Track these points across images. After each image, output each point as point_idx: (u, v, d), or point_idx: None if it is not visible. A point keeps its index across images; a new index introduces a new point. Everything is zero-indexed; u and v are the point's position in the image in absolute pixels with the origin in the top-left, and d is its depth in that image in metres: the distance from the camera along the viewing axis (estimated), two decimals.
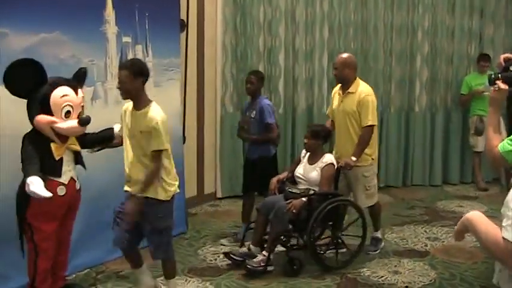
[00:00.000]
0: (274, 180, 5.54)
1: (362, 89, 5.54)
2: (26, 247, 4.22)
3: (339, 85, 5.73)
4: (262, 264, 5.11)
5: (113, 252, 5.25)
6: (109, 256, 5.33)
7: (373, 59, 8.58)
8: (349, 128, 5.54)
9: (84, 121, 4.24)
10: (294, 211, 5.09)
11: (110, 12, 5.41)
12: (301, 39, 8.25)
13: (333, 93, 5.95)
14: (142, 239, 4.43)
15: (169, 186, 4.31)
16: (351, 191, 5.71)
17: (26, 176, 3.95)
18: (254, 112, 5.96)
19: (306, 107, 8.41)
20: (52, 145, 4.13)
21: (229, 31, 7.85)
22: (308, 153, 5.54)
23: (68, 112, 4.16)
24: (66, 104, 4.14)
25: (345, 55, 5.71)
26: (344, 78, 5.56)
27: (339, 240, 5.48)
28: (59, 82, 4.18)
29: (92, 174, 4.71)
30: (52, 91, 4.10)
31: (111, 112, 5.25)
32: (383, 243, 5.92)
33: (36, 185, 3.85)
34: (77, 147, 4.36)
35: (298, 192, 5.34)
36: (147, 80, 4.28)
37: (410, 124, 8.93)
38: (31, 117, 4.11)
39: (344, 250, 5.52)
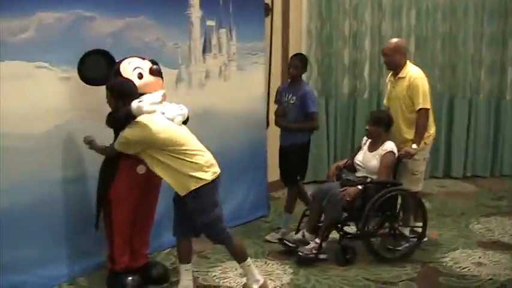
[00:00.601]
0: (333, 167, 5.47)
1: (412, 72, 5.36)
2: (102, 223, 4.37)
3: (391, 72, 5.58)
4: (313, 251, 4.96)
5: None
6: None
7: (463, 44, 8.29)
8: (400, 115, 5.36)
9: (154, 70, 4.36)
10: (348, 199, 4.95)
11: None
12: (388, 23, 8.07)
13: (386, 79, 5.80)
14: (196, 232, 4.38)
15: (186, 179, 4.07)
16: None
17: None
18: (295, 98, 5.59)
19: None
20: None
21: (314, 15, 7.78)
22: (369, 141, 5.35)
23: (140, 74, 4.29)
24: (135, 67, 4.28)
25: (394, 40, 5.54)
26: (395, 64, 5.38)
27: (397, 232, 5.29)
28: (124, 58, 4.32)
29: None
30: (120, 63, 4.27)
31: (195, 94, 5.35)
32: (408, 244, 5.40)
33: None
34: None
35: (355, 179, 5.21)
36: (132, 99, 3.97)
37: (501, 111, 8.57)
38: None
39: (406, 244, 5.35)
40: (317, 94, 7.84)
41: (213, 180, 4.12)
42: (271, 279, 4.69)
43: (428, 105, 5.30)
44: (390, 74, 5.60)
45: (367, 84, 8.13)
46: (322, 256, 5.05)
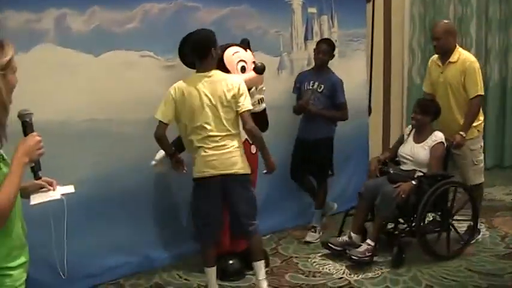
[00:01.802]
0: (374, 161, 5.15)
1: (465, 57, 5.03)
2: None
3: (435, 56, 5.22)
4: (368, 253, 4.63)
5: (295, 219, 5.42)
6: (291, 223, 5.52)
7: None
8: (451, 102, 5.02)
9: (259, 69, 4.37)
10: (403, 196, 4.59)
11: None
12: (495, 7, 7.78)
13: (429, 66, 5.37)
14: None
15: (195, 164, 3.98)
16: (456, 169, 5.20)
17: None
18: (323, 86, 5.21)
19: (499, 80, 7.95)
20: None
21: (418, 0, 7.60)
22: (413, 131, 4.99)
23: (243, 68, 4.36)
24: (239, 59, 4.36)
25: (445, 21, 5.24)
26: (447, 47, 4.99)
27: (451, 227, 4.96)
28: (228, 44, 4.36)
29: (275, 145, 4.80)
30: (224, 52, 4.30)
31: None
32: (480, 235, 5.31)
33: None
34: None
35: (402, 173, 4.86)
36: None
37: None
38: None
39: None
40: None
41: None
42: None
43: (483, 92, 5.07)
44: (435, 58, 5.23)
45: None
46: (375, 258, 4.74)
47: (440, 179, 4.81)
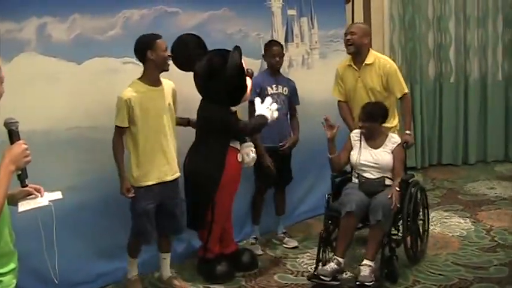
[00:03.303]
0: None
1: (383, 60, 4.96)
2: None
3: (345, 62, 5.04)
4: (373, 276, 4.28)
5: (282, 221, 5.43)
6: (273, 226, 5.48)
7: None
8: None
9: (250, 74, 4.52)
10: (398, 205, 4.40)
11: None
12: (473, 4, 7.88)
13: (339, 74, 5.07)
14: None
15: (134, 171, 4.07)
16: None
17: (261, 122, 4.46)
18: (286, 89, 5.11)
19: (479, 76, 8.05)
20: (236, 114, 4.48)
21: (396, 0, 7.67)
22: (363, 137, 4.71)
23: None
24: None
25: (358, 22, 5.13)
26: (361, 47, 4.85)
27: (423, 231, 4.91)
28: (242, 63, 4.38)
29: None
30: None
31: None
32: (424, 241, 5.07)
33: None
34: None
35: (376, 182, 4.55)
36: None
37: None
38: (221, 96, 4.33)
39: None
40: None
41: None
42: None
43: (407, 89, 5.04)
44: (346, 63, 5.01)
45: (453, 67, 7.95)
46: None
47: (410, 182, 4.70)
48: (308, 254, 5.03)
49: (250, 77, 4.50)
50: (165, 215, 4.21)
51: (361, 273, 4.25)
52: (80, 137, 4.20)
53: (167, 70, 4.09)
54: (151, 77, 4.04)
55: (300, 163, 5.32)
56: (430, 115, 8.01)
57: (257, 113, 4.51)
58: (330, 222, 4.60)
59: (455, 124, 8.04)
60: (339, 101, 5.13)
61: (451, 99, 8.00)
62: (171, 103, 4.19)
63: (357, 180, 4.64)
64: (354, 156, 4.68)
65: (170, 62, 4.14)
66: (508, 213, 5.90)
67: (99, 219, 4.32)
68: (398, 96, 4.92)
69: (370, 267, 4.28)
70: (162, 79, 4.13)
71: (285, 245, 5.26)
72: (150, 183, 4.05)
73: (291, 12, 5.74)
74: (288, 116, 5.21)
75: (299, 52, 5.84)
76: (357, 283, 4.22)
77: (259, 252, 5.09)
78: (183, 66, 4.41)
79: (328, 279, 4.25)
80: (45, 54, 4.02)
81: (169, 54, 4.07)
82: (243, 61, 4.34)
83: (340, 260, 4.34)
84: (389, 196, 4.36)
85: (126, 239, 4.20)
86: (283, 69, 5.57)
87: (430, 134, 8.03)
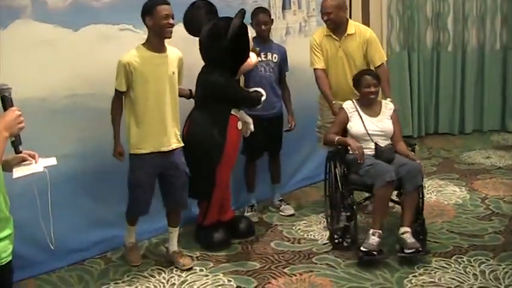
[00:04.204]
0: (359, 148, 4.48)
1: (363, 28, 5.09)
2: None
3: (321, 32, 5.06)
4: None
5: (278, 189, 5.45)
6: (270, 193, 5.49)
7: None
8: (348, 74, 4.95)
9: (259, 52, 4.62)
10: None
11: None
12: None
13: (317, 42, 5.04)
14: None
15: (130, 137, 4.05)
16: None
17: (256, 96, 4.51)
18: (276, 56, 5.07)
19: (477, 46, 8.01)
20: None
21: None
22: (357, 106, 4.68)
23: None
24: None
25: None
26: (339, 21, 4.92)
27: None
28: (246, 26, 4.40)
29: None
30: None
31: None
32: None
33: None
34: None
35: (388, 149, 4.54)
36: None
37: None
38: (228, 60, 4.32)
39: None
40: (399, 48, 7.75)
41: None
42: None
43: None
44: (323, 33, 5.04)
45: (451, 36, 7.91)
46: None
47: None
48: (304, 222, 5.07)
49: (257, 55, 4.49)
50: (166, 187, 4.18)
51: (408, 241, 4.20)
52: (77, 105, 4.20)
53: (169, 37, 3.98)
54: (153, 43, 3.96)
55: (295, 131, 5.30)
56: (427, 84, 7.99)
57: (253, 89, 4.56)
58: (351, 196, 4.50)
59: (452, 93, 8.01)
60: (317, 70, 5.06)
61: (448, 68, 7.96)
62: (176, 72, 4.09)
63: (368, 151, 4.52)
64: (358, 126, 4.62)
65: (176, 29, 4.04)
66: (503, 182, 5.93)
67: (96, 187, 4.34)
68: (378, 63, 5.00)
69: (411, 234, 4.25)
70: (168, 46, 4.05)
71: (281, 213, 5.28)
72: (145, 151, 4.00)
73: None
74: (278, 83, 5.14)
75: (296, 19, 5.79)
76: (408, 251, 4.17)
77: (256, 219, 5.12)
78: (193, 31, 4.41)
79: (376, 253, 4.20)
80: (41, 21, 3.99)
81: (170, 22, 3.92)
82: (249, 30, 4.37)
83: (380, 232, 4.27)
84: (418, 161, 4.46)
85: (124, 207, 4.21)
86: (281, 37, 5.57)
87: (426, 103, 8.02)
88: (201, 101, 4.43)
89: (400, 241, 4.26)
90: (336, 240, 4.49)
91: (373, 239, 4.23)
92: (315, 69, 5.06)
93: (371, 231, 4.27)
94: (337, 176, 4.64)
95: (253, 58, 4.47)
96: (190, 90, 4.50)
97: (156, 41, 3.96)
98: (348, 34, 4.96)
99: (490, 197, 5.48)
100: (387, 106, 4.74)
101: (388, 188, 4.30)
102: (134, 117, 3.99)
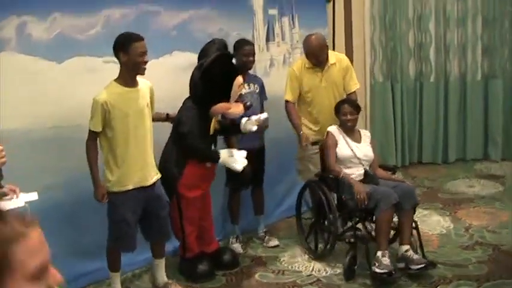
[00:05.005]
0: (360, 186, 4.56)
1: (340, 56, 5.35)
2: (171, 214, 4.40)
3: (301, 64, 5.20)
4: None
5: (262, 220, 5.43)
6: (255, 224, 5.47)
7: None
8: (332, 102, 5.08)
9: (248, 107, 4.47)
10: None
11: None
12: (453, 4, 7.93)
13: (296, 74, 5.18)
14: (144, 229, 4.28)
15: (111, 176, 3.98)
16: None
17: (210, 156, 4.38)
18: (257, 87, 5.14)
19: (458, 76, 8.11)
20: (213, 121, 4.42)
21: None
22: (341, 132, 4.86)
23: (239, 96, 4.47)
24: (239, 92, 4.46)
25: (315, 39, 5.07)
26: (324, 58, 5.12)
27: None
28: (235, 70, 4.40)
29: None
30: (234, 80, 4.34)
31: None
32: None
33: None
34: (217, 127, 4.56)
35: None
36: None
37: None
38: (202, 97, 4.30)
39: None
40: (382, 79, 7.82)
41: None
42: None
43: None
44: (304, 65, 5.16)
45: (433, 67, 8.01)
46: None
47: None
48: (289, 253, 5.06)
49: (246, 109, 4.41)
50: (150, 220, 4.14)
51: (414, 257, 4.39)
52: (60, 136, 4.20)
53: (142, 74, 3.95)
54: (126, 79, 3.92)
55: (279, 162, 5.35)
56: (411, 114, 8.06)
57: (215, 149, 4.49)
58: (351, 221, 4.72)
59: (435, 123, 8.09)
60: (288, 102, 5.22)
61: (431, 98, 8.05)
62: (149, 103, 4.06)
63: (353, 176, 4.68)
64: (346, 150, 4.80)
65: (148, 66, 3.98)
66: (486, 211, 5.97)
67: (79, 218, 4.32)
68: (353, 89, 5.24)
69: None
70: (138, 79, 4.01)
71: (265, 244, 5.26)
72: (128, 188, 3.95)
73: (272, 11, 5.77)
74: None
75: (280, 51, 5.87)
76: (417, 267, 4.35)
77: (240, 250, 5.11)
78: None
79: (394, 272, 4.32)
80: (26, 53, 4.01)
81: (145, 60, 3.88)
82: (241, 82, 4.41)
83: (388, 252, 4.38)
84: (408, 183, 4.76)
85: (106, 237, 4.18)
86: (265, 68, 5.62)
87: (410, 133, 8.08)
88: (172, 130, 4.45)
89: (405, 259, 4.40)
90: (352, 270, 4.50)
91: (385, 260, 4.32)
92: (286, 100, 5.21)
93: (379, 253, 4.35)
94: (330, 202, 4.69)
95: (240, 109, 4.37)
96: (167, 114, 4.49)
97: (129, 77, 3.92)
98: (330, 64, 5.14)
99: (474, 226, 5.50)
100: (366, 134, 5.01)
101: (392, 210, 4.43)
102: (113, 156, 3.93)
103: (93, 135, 3.91)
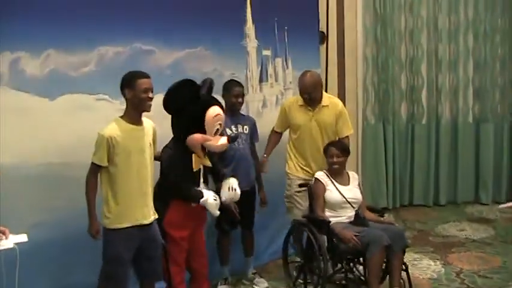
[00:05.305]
0: (348, 233, 4.57)
1: (335, 100, 5.35)
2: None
3: (295, 100, 5.27)
4: None
5: (252, 262, 5.38)
6: (244, 266, 5.41)
7: None
8: (321, 143, 5.16)
9: (233, 138, 4.40)
10: None
11: (250, 27, 5.60)
12: (445, 47, 8.01)
13: (287, 109, 5.28)
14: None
15: (109, 212, 3.90)
16: None
17: (189, 195, 4.23)
18: (247, 128, 5.08)
19: (450, 119, 8.16)
20: (193, 156, 4.26)
21: (370, 41, 7.79)
22: (326, 175, 4.92)
23: (217, 130, 4.29)
24: (218, 123, 4.27)
25: (310, 74, 5.13)
26: (319, 97, 5.16)
27: None
28: (211, 102, 4.29)
29: None
30: (206, 111, 4.22)
31: None
32: None
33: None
34: (209, 163, 4.40)
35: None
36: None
37: None
38: (178, 132, 4.26)
39: None
40: (374, 120, 7.84)
41: None
42: None
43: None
44: (298, 102, 5.21)
45: (425, 109, 8.05)
46: None
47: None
48: None
49: (230, 141, 4.32)
50: (143, 260, 4.05)
51: None
52: (50, 173, 4.14)
53: (147, 111, 3.93)
54: (132, 116, 3.90)
55: (270, 202, 5.30)
56: (402, 156, 8.07)
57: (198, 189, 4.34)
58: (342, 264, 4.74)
59: (426, 165, 8.11)
60: (274, 132, 5.40)
61: (422, 141, 8.08)
62: (151, 143, 4.04)
63: (344, 219, 4.76)
64: (335, 194, 4.83)
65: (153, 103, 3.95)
66: (477, 255, 5.93)
67: (66, 257, 4.22)
68: (345, 134, 5.25)
69: None
70: (142, 118, 4.00)
71: (255, 286, 5.20)
72: (125, 225, 3.88)
73: (266, 52, 5.81)
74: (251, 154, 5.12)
75: (273, 92, 5.88)
76: None
77: None
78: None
79: None
80: (18, 89, 3.99)
81: (150, 96, 3.87)
82: (216, 112, 4.25)
83: None
84: (397, 225, 4.76)
85: (94, 277, 4.10)
86: (257, 109, 5.63)
87: (401, 175, 8.08)
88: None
89: None
90: None
91: None
92: (275, 130, 5.37)
93: None
94: (320, 244, 4.65)
95: (221, 140, 4.27)
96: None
97: (134, 114, 3.91)
98: (322, 105, 5.16)
99: (465, 271, 5.45)
100: (354, 176, 5.04)
101: (383, 252, 4.44)
102: (113, 191, 3.87)
103: (95, 170, 3.86)
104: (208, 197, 4.22)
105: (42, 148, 4.09)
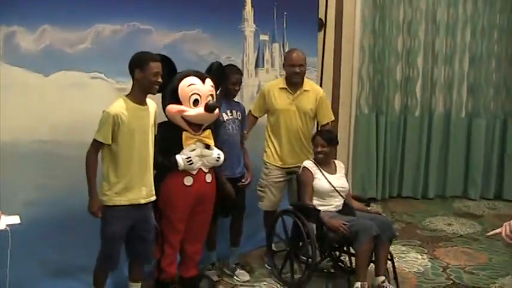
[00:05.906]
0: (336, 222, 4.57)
1: (315, 86, 5.33)
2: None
3: (276, 84, 5.20)
4: None
5: (236, 252, 5.34)
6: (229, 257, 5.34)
7: None
8: (300, 128, 5.14)
9: (210, 107, 4.19)
10: None
11: (249, 11, 5.56)
12: (442, 41, 7.98)
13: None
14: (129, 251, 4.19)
15: (108, 189, 3.90)
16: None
17: (168, 164, 4.19)
18: (240, 114, 4.96)
19: (443, 112, 8.15)
20: (184, 134, 4.23)
21: (368, 31, 7.75)
22: (314, 164, 4.88)
23: (196, 101, 4.19)
24: (193, 92, 4.18)
25: (298, 50, 5.11)
26: (302, 77, 5.11)
27: None
28: (187, 73, 4.26)
29: None
30: (180, 82, 4.20)
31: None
32: None
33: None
34: (210, 141, 4.34)
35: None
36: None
37: None
38: (164, 108, 4.24)
39: None
40: (367, 110, 7.82)
41: None
42: None
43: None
44: (278, 86, 5.15)
45: (418, 102, 8.04)
46: None
47: None
48: (265, 283, 4.99)
49: (206, 110, 4.18)
50: (135, 240, 4.03)
51: None
52: (43, 151, 4.11)
53: (154, 94, 3.96)
54: (138, 96, 3.90)
55: (255, 192, 5.27)
56: (393, 147, 8.07)
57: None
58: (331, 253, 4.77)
59: (417, 157, 8.11)
60: (251, 114, 5.28)
61: (414, 133, 8.08)
62: (153, 123, 4.03)
63: (332, 207, 4.77)
64: (323, 183, 4.80)
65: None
66: (464, 251, 5.94)
67: (58, 237, 4.19)
68: (325, 121, 5.23)
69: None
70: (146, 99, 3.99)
71: (236, 278, 5.08)
72: (123, 203, 3.86)
73: (264, 37, 5.77)
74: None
75: (268, 78, 5.82)
76: None
77: (216, 278, 4.99)
78: None
79: None
80: (12, 64, 3.93)
81: (159, 80, 3.87)
82: (189, 82, 4.20)
83: (366, 282, 4.42)
84: (384, 214, 4.81)
85: (85, 258, 4.07)
86: (252, 94, 5.59)
87: (392, 166, 8.08)
88: None
89: None
90: None
91: None
92: (252, 113, 5.29)
93: (358, 283, 4.40)
94: (309, 231, 4.64)
95: (197, 109, 4.19)
96: None
97: (140, 95, 3.91)
98: (304, 90, 5.11)
99: (451, 266, 5.46)
100: (340, 165, 5.02)
101: (372, 241, 4.43)
102: (114, 169, 3.85)
103: (97, 147, 3.83)
104: (181, 159, 4.19)
105: (35, 125, 4.05)
